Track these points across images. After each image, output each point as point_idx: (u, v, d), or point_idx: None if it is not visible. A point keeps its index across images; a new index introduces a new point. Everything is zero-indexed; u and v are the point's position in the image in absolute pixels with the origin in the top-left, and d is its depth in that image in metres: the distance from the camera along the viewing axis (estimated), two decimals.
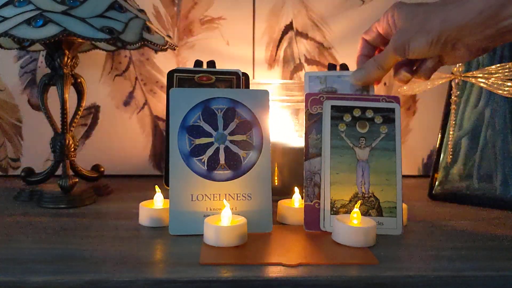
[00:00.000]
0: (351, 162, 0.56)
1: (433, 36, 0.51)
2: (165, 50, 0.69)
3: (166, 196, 0.57)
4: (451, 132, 0.73)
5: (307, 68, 0.89)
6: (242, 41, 0.87)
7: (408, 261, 0.47)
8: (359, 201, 0.54)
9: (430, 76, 0.57)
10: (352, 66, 0.69)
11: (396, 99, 0.58)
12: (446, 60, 0.55)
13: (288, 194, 0.62)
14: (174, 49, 0.71)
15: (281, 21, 0.88)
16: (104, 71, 0.86)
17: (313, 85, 0.61)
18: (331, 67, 0.67)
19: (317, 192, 0.56)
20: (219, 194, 0.55)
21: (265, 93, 0.57)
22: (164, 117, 0.85)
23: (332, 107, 0.57)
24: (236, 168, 0.56)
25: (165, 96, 0.84)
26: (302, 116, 0.60)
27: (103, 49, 0.80)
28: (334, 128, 0.57)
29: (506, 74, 0.68)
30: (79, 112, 0.71)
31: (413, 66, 0.58)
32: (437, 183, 0.74)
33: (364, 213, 0.55)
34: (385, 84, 0.90)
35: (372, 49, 0.60)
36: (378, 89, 0.90)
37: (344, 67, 0.68)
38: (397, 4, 0.55)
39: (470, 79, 0.71)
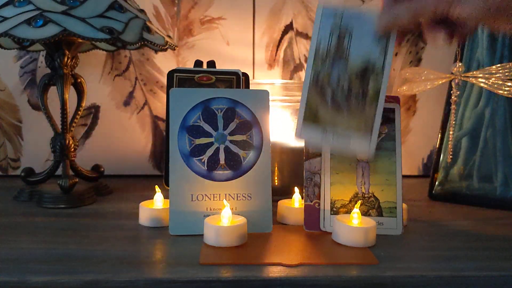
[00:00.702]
0: (351, 162, 0.56)
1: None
2: (165, 50, 0.69)
3: (166, 196, 0.57)
4: (451, 132, 0.73)
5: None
6: (242, 41, 0.87)
7: (408, 261, 0.47)
8: (359, 201, 0.54)
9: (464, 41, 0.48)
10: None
11: (396, 99, 0.58)
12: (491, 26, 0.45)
13: (288, 194, 0.62)
14: (174, 49, 0.71)
15: (281, 21, 0.88)
16: (104, 71, 0.86)
17: (326, 22, 0.50)
18: None
19: (317, 192, 0.56)
20: (219, 194, 0.55)
21: (265, 93, 0.57)
22: (164, 117, 0.85)
23: None
24: (236, 168, 0.56)
25: (165, 96, 0.84)
26: None
27: (103, 49, 0.80)
28: None
29: (506, 74, 0.68)
30: (79, 112, 0.71)
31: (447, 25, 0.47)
32: (437, 183, 0.74)
33: (364, 213, 0.55)
34: None
35: None
36: None
37: None
38: None
39: (470, 79, 0.71)
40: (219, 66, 0.72)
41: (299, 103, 0.69)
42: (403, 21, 0.47)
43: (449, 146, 0.74)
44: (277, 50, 0.88)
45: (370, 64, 0.49)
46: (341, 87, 0.50)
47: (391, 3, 0.48)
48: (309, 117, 0.50)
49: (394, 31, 0.49)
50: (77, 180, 0.68)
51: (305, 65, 0.88)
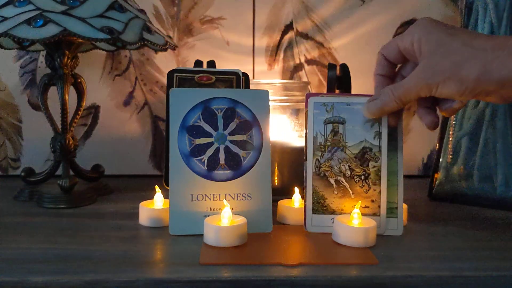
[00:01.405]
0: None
1: (467, 87, 0.44)
2: (165, 50, 0.69)
3: (166, 196, 0.57)
4: (451, 132, 0.73)
5: (307, 68, 0.89)
6: (242, 41, 0.87)
7: (408, 261, 0.47)
8: (359, 202, 0.54)
9: (454, 114, 0.51)
10: (352, 66, 0.70)
11: None
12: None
13: (288, 194, 0.62)
14: (174, 49, 0.71)
15: (281, 21, 0.88)
16: (104, 71, 0.86)
17: (318, 114, 0.55)
18: (331, 67, 0.67)
19: None
20: (219, 194, 0.55)
21: (265, 93, 0.57)
22: (164, 117, 0.85)
23: None
24: (236, 168, 0.56)
25: (165, 96, 0.84)
26: (302, 116, 0.60)
27: (103, 49, 0.80)
28: None
29: None
30: (79, 112, 0.71)
31: (435, 101, 0.52)
32: (437, 183, 0.74)
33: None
34: None
35: (390, 68, 0.53)
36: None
37: (344, 67, 0.68)
38: (425, 26, 0.47)
39: None
40: (219, 66, 0.72)
41: (299, 103, 0.69)
42: (390, 107, 0.51)
43: (449, 146, 0.74)
44: (277, 50, 0.88)
45: (367, 148, 0.55)
46: (343, 172, 0.55)
47: (379, 81, 0.54)
48: (317, 207, 0.55)
49: (383, 115, 0.53)
50: (77, 180, 0.68)
51: (305, 65, 0.88)
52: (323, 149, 0.55)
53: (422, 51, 0.47)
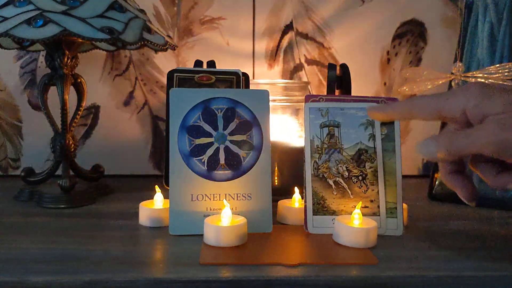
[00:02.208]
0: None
1: None
2: (165, 50, 0.69)
3: (166, 196, 0.57)
4: None
5: (307, 68, 0.89)
6: (242, 41, 0.87)
7: (408, 261, 0.47)
8: (360, 202, 0.54)
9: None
10: (352, 67, 0.70)
11: (395, 100, 0.58)
12: None
13: (288, 194, 0.62)
14: (174, 49, 0.71)
15: (281, 21, 0.88)
16: (104, 71, 0.86)
17: (314, 118, 0.56)
18: (331, 67, 0.67)
19: None
20: (219, 194, 0.55)
21: (265, 93, 0.57)
22: (164, 117, 0.85)
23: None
24: (236, 168, 0.56)
25: (165, 96, 0.84)
26: (302, 116, 0.60)
27: (103, 49, 0.80)
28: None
29: (506, 74, 0.68)
30: (79, 112, 0.71)
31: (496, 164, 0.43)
32: (437, 183, 0.74)
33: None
34: (385, 84, 0.90)
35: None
36: (378, 90, 0.90)
37: (344, 67, 0.68)
38: (483, 90, 0.40)
39: (470, 79, 0.71)
40: (219, 66, 0.72)
41: (299, 103, 0.69)
42: (437, 155, 0.42)
43: None
44: (277, 50, 0.88)
45: (362, 150, 0.56)
46: (341, 173, 0.55)
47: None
48: (318, 208, 0.55)
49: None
50: (77, 180, 0.68)
51: (305, 65, 0.88)
52: (320, 151, 0.56)
53: (486, 113, 0.40)
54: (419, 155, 0.43)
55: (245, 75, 0.68)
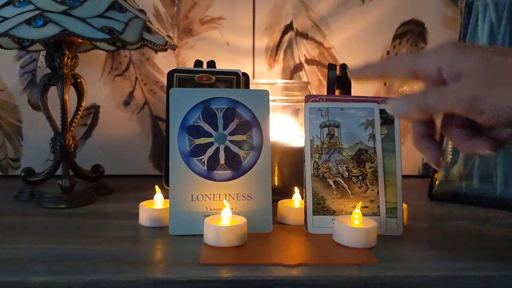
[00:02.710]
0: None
1: None
2: (165, 50, 0.69)
3: (166, 196, 0.57)
4: None
5: (307, 68, 0.89)
6: (242, 41, 0.87)
7: (408, 261, 0.47)
8: (360, 202, 0.54)
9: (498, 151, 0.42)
10: (352, 66, 0.69)
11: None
12: None
13: (288, 194, 0.62)
14: (174, 49, 0.71)
15: (281, 21, 0.88)
16: (104, 71, 0.86)
17: (314, 118, 0.56)
18: (331, 67, 0.67)
19: None
20: (219, 194, 0.55)
21: (265, 93, 0.57)
22: (164, 117, 0.85)
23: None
24: (236, 168, 0.56)
25: (165, 96, 0.84)
26: (302, 116, 0.60)
27: (103, 49, 0.80)
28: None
29: None
30: (79, 112, 0.71)
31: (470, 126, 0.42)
32: (437, 183, 0.74)
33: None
34: (385, 84, 0.90)
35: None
36: (378, 90, 0.90)
37: (343, 67, 0.68)
38: (457, 48, 0.39)
39: None
40: (219, 66, 0.72)
41: (299, 103, 0.69)
42: (412, 114, 0.42)
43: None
44: (277, 50, 0.88)
45: (362, 150, 0.56)
46: (341, 173, 0.55)
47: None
48: (318, 208, 0.55)
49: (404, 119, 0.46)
50: (77, 180, 0.68)
51: (305, 65, 0.88)
52: (320, 152, 0.56)
53: (460, 71, 0.39)
54: (419, 155, 0.43)
55: (245, 75, 0.68)
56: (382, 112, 0.56)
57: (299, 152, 0.62)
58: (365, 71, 0.46)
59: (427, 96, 0.40)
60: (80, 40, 0.64)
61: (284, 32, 0.88)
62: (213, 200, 0.55)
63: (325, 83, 0.86)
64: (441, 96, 0.39)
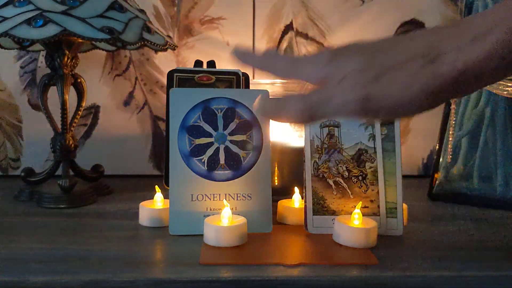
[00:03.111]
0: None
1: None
2: (165, 50, 0.69)
3: (166, 196, 0.57)
4: (451, 132, 0.73)
5: None
6: (242, 41, 0.87)
7: (408, 261, 0.47)
8: (360, 202, 0.54)
9: None
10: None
11: None
12: None
13: (288, 194, 0.62)
14: (174, 49, 0.71)
15: (281, 21, 0.88)
16: (104, 71, 0.86)
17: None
18: None
19: None
20: (219, 194, 0.55)
21: (265, 93, 0.57)
22: (164, 117, 0.85)
23: None
24: (236, 168, 0.56)
25: (165, 96, 0.84)
26: None
27: (103, 49, 0.80)
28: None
29: None
30: (79, 112, 0.71)
31: None
32: (437, 183, 0.74)
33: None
34: None
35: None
36: None
37: None
38: (335, 54, 0.38)
39: None
40: (219, 66, 0.72)
41: None
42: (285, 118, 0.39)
43: (449, 146, 0.74)
44: (277, 50, 0.88)
45: (362, 150, 0.56)
46: (341, 173, 0.55)
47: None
48: (318, 208, 0.55)
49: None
50: (77, 180, 0.68)
51: None
52: (320, 152, 0.56)
53: (342, 73, 0.36)
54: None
55: (245, 75, 0.68)
56: None
57: (299, 152, 0.62)
58: (247, 58, 0.44)
59: (315, 108, 0.36)
60: (80, 40, 0.64)
61: (284, 32, 0.88)
62: (213, 200, 0.55)
63: None
64: (329, 105, 0.36)
